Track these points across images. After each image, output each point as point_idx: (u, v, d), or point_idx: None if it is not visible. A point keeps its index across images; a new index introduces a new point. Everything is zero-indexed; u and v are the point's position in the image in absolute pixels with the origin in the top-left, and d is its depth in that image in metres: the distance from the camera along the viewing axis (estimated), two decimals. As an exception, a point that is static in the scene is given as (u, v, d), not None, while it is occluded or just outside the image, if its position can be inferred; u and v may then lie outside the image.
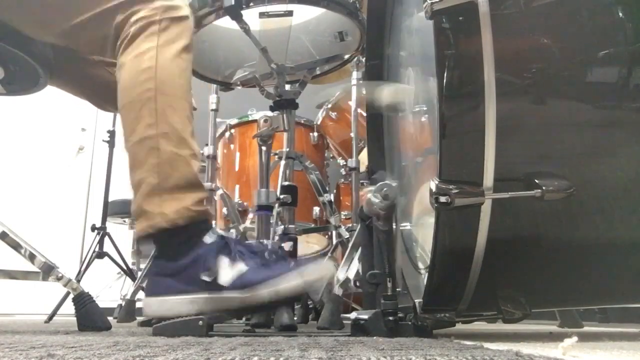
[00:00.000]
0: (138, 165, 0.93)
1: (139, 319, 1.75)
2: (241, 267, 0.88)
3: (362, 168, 2.08)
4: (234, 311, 0.88)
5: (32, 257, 1.12)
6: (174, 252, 0.90)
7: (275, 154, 1.53)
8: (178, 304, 0.88)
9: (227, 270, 0.87)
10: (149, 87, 0.93)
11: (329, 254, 2.13)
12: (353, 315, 0.85)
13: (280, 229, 1.38)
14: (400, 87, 0.97)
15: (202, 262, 0.88)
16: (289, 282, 0.84)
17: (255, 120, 2.28)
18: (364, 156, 2.04)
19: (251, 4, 1.24)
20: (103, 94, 1.24)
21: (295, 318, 1.27)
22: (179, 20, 0.98)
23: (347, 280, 1.32)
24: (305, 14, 1.42)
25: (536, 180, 0.69)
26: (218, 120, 2.29)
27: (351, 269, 1.33)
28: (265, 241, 1.24)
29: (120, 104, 0.96)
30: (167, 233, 0.90)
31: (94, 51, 1.07)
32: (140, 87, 0.93)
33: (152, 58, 0.94)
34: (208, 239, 0.90)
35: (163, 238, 0.92)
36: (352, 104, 2.14)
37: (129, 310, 2.21)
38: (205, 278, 0.87)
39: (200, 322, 0.84)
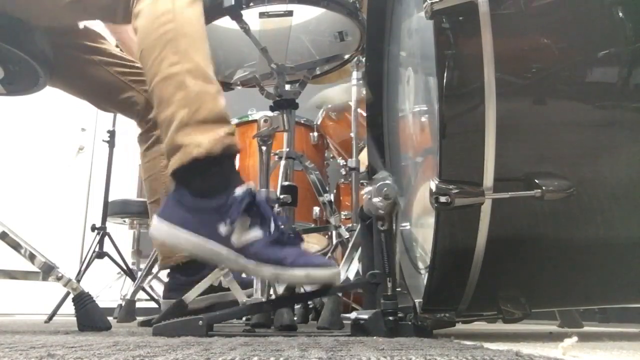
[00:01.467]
0: (165, 103, 0.92)
1: (139, 319, 1.75)
2: (257, 234, 0.87)
3: (362, 168, 2.08)
4: (237, 310, 0.87)
5: (32, 257, 1.12)
6: (202, 186, 0.90)
7: (275, 154, 1.53)
8: (184, 240, 0.88)
9: (243, 232, 0.87)
10: (169, 29, 0.93)
11: (329, 254, 2.13)
12: (353, 315, 0.84)
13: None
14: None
15: (224, 212, 0.87)
16: (292, 275, 0.84)
17: (255, 120, 2.28)
18: (364, 156, 2.04)
19: (251, 4, 1.24)
20: (103, 94, 1.24)
21: (295, 318, 1.27)
22: None
23: (347, 280, 1.32)
24: (305, 14, 1.42)
25: (536, 180, 0.69)
26: (218, 120, 2.29)
27: (351, 269, 1.33)
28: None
29: (140, 48, 0.96)
30: (201, 163, 0.89)
31: (104, 17, 1.07)
32: (161, 29, 0.93)
33: (168, 2, 0.95)
34: (239, 191, 0.89)
35: (197, 169, 0.90)
36: (352, 104, 2.14)
37: (129, 310, 2.21)
38: (221, 230, 0.87)
39: (200, 322, 0.84)
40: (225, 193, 0.88)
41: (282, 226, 0.90)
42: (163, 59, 0.92)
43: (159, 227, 0.91)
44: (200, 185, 0.90)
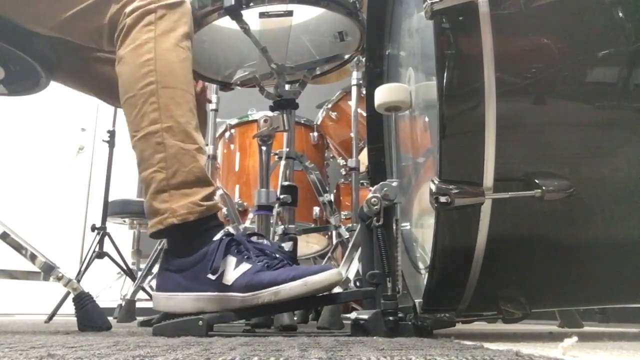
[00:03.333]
0: (145, 162, 0.92)
1: (139, 319, 1.75)
2: (246, 267, 0.88)
3: (362, 168, 2.09)
4: (236, 311, 0.88)
5: (33, 257, 1.12)
6: (184, 249, 0.91)
7: (275, 154, 1.54)
8: (183, 301, 0.89)
9: (232, 270, 0.88)
10: (150, 81, 0.92)
11: (329, 254, 2.13)
12: (353, 315, 0.84)
13: (280, 229, 1.38)
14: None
15: (209, 260, 0.88)
16: (291, 288, 0.84)
17: (255, 120, 2.28)
18: (364, 156, 2.05)
19: (251, 4, 1.24)
20: (108, 90, 1.23)
21: (295, 318, 1.27)
22: (175, 6, 0.96)
23: (347, 280, 1.32)
24: (305, 14, 1.42)
25: (536, 180, 0.69)
26: (218, 120, 2.30)
27: (351, 269, 1.33)
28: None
29: (122, 99, 0.95)
30: (177, 229, 0.90)
31: (89, 43, 1.06)
32: (141, 81, 0.92)
33: (151, 50, 0.93)
34: (217, 236, 0.90)
35: (173, 234, 0.92)
36: (352, 104, 2.14)
37: (129, 310, 2.21)
38: (210, 277, 0.87)
39: (200, 322, 0.84)
40: (205, 243, 0.90)
41: (269, 252, 0.91)
42: (144, 114, 0.92)
43: (159, 299, 0.92)
44: (180, 247, 0.92)
